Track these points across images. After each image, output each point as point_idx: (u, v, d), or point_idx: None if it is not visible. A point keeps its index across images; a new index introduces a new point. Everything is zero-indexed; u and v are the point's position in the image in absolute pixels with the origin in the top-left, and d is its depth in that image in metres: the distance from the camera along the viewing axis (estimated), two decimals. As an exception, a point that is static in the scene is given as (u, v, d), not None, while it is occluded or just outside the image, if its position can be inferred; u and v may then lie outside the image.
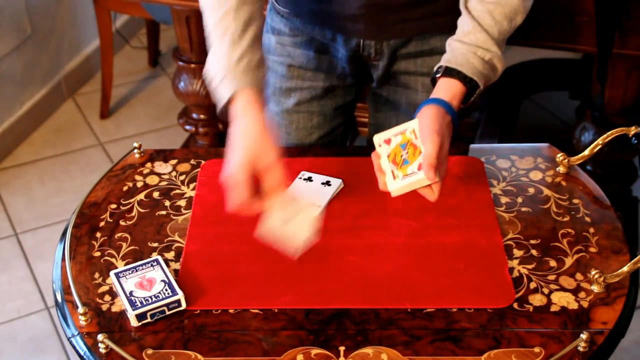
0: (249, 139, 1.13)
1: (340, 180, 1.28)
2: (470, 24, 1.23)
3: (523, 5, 1.25)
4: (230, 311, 1.08)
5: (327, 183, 1.28)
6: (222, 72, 1.18)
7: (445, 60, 1.24)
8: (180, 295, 1.08)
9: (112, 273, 1.12)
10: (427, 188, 1.17)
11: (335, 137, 1.54)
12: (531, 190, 1.28)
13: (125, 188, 1.31)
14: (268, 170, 1.12)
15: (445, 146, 1.17)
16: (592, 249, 1.16)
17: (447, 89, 1.22)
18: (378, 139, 1.22)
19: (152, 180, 1.33)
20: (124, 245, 1.20)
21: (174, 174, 1.34)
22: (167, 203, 1.28)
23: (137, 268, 1.12)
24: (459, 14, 1.27)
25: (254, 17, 1.21)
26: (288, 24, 1.42)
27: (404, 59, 1.39)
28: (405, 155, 1.19)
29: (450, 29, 1.29)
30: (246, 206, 1.11)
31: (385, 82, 1.45)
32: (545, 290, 1.10)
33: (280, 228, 1.12)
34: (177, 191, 1.30)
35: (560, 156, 1.31)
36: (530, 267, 1.13)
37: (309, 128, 1.49)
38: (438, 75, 1.23)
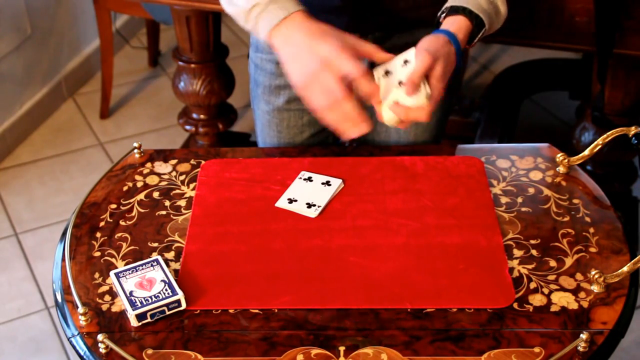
0: (327, 31, 1.13)
1: (340, 181, 1.28)
2: None
3: None
4: (230, 311, 1.08)
5: (327, 183, 1.28)
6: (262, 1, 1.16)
7: (449, 3, 1.24)
8: (180, 295, 1.08)
9: (112, 273, 1.12)
10: (418, 109, 1.15)
11: (327, 135, 1.54)
12: (531, 190, 1.28)
13: (125, 188, 1.31)
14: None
15: (438, 68, 1.15)
16: (592, 249, 1.16)
17: (452, 23, 1.22)
18: (376, 72, 1.19)
19: (152, 180, 1.33)
20: (124, 245, 1.20)
21: (174, 174, 1.34)
22: (167, 203, 1.28)
23: (137, 268, 1.12)
24: (442, 4, 1.28)
25: None
26: None
27: (389, 51, 1.39)
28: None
29: (435, 21, 1.30)
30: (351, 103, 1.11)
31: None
32: (545, 290, 1.10)
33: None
34: (177, 191, 1.30)
35: (560, 156, 1.31)
36: (530, 267, 1.13)
37: (300, 126, 1.49)
38: (443, 16, 1.24)
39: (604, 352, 1.02)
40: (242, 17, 1.21)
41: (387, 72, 1.18)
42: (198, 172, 1.34)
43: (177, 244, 1.20)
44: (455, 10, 1.23)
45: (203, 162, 1.36)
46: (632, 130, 1.27)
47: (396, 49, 1.38)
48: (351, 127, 1.13)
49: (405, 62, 1.17)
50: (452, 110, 1.55)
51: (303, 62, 1.13)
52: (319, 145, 1.55)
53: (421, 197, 1.26)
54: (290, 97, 1.46)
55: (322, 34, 1.13)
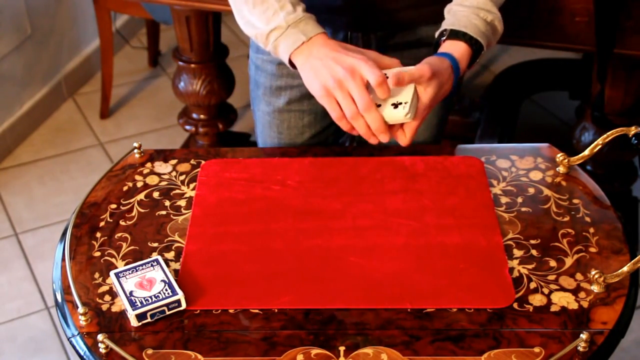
0: (349, 47, 1.17)
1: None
2: None
3: None
4: (230, 311, 1.08)
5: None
6: (281, 23, 1.20)
7: (448, 24, 1.24)
8: (180, 295, 1.08)
9: (112, 273, 1.12)
10: (400, 131, 1.17)
11: (327, 136, 1.54)
12: (531, 190, 1.28)
13: (125, 188, 1.31)
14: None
15: (430, 90, 1.16)
16: (592, 249, 1.16)
17: (455, 49, 1.22)
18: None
19: (152, 180, 1.33)
20: (124, 245, 1.20)
21: (174, 174, 1.34)
22: (167, 203, 1.28)
23: (137, 268, 1.12)
24: (444, 4, 1.28)
25: None
26: None
27: (391, 50, 1.39)
28: None
29: (436, 19, 1.30)
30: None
31: None
32: (545, 290, 1.10)
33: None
34: (177, 191, 1.30)
35: (560, 156, 1.31)
36: (530, 267, 1.13)
37: (300, 127, 1.49)
38: (443, 39, 1.24)
39: (604, 352, 1.02)
40: (261, 39, 1.23)
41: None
42: (198, 172, 1.34)
43: (177, 244, 1.20)
44: (455, 34, 1.23)
45: (203, 162, 1.36)
46: (632, 130, 1.27)
47: (398, 48, 1.39)
48: (372, 135, 1.15)
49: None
50: (451, 110, 1.55)
51: (328, 70, 1.14)
52: (319, 145, 1.55)
53: (421, 197, 1.26)
54: (290, 98, 1.46)
55: (345, 49, 1.16)
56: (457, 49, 1.22)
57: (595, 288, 1.09)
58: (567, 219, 1.22)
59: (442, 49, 1.23)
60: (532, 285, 1.10)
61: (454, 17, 1.24)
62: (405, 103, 1.15)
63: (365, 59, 1.14)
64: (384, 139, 1.16)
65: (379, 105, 1.15)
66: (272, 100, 1.48)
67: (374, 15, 1.34)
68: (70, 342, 1.07)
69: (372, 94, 1.15)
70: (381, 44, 1.38)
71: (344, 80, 1.13)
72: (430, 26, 1.34)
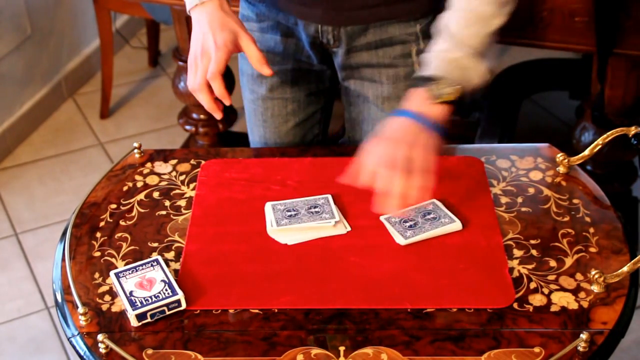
0: (227, 24, 1.27)
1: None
2: (439, 35, 1.23)
3: (499, 11, 1.23)
4: (230, 311, 1.08)
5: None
6: None
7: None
8: (180, 295, 1.08)
9: (112, 273, 1.12)
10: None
11: (313, 124, 1.55)
12: (531, 190, 1.28)
13: (125, 188, 1.31)
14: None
15: (391, 151, 1.14)
16: (592, 249, 1.16)
17: (409, 99, 1.21)
18: None
19: (152, 180, 1.33)
20: (124, 245, 1.20)
21: (174, 174, 1.34)
22: (167, 203, 1.28)
23: (137, 268, 1.12)
24: (416, 1, 1.29)
25: None
26: (254, 10, 1.44)
27: (365, 49, 1.40)
28: None
29: (409, 17, 1.31)
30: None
31: (351, 76, 1.45)
32: (545, 290, 1.10)
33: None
34: (177, 191, 1.30)
35: (560, 156, 1.31)
36: (530, 267, 1.13)
37: (285, 115, 1.50)
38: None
39: (604, 352, 1.02)
40: None
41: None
42: (198, 172, 1.34)
43: (177, 244, 1.20)
44: (415, 85, 1.22)
45: (203, 162, 1.36)
46: (632, 130, 1.27)
47: (372, 47, 1.39)
48: (214, 107, 1.28)
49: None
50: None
51: (196, 41, 1.28)
52: (318, 144, 1.55)
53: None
54: (272, 85, 1.47)
55: (221, 26, 1.27)
56: (411, 97, 1.21)
57: (595, 288, 1.09)
58: (567, 219, 1.22)
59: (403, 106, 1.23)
60: (532, 285, 1.10)
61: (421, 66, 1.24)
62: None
63: (224, 44, 1.25)
64: (218, 115, 1.28)
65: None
66: (255, 88, 1.50)
67: (344, 10, 1.35)
68: (70, 342, 1.07)
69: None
70: (351, 39, 1.39)
71: (198, 58, 1.27)
72: (402, 23, 1.35)
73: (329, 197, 1.24)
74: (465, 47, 1.21)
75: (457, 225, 1.19)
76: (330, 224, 1.20)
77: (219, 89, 1.26)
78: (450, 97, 1.20)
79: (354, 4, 1.34)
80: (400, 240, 1.17)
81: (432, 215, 1.21)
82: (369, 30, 1.37)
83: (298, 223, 1.20)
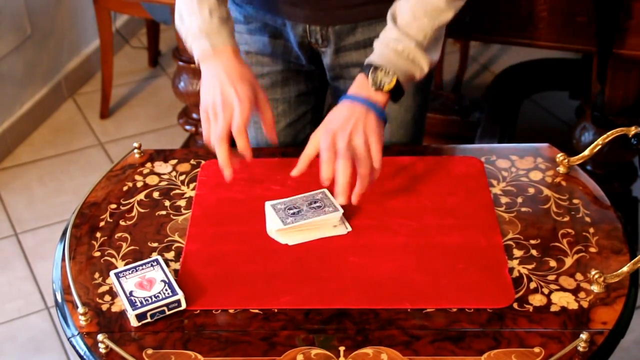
0: (245, 77, 1.24)
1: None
2: (388, 24, 1.26)
3: (449, 6, 1.25)
4: (230, 311, 1.08)
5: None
6: (195, 28, 1.26)
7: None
8: (180, 295, 1.08)
9: (112, 273, 1.12)
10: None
11: (304, 125, 1.55)
12: (531, 190, 1.28)
13: (125, 188, 1.31)
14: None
15: (333, 139, 1.18)
16: (592, 249, 1.16)
17: (355, 84, 1.25)
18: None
19: (152, 180, 1.33)
20: (124, 245, 1.20)
21: (174, 174, 1.34)
22: (167, 203, 1.28)
23: (137, 268, 1.12)
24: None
25: None
26: (242, 12, 1.44)
27: (354, 49, 1.40)
28: None
29: None
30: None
31: (340, 76, 1.46)
32: (545, 291, 1.10)
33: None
34: (177, 191, 1.30)
35: (560, 156, 1.31)
36: (530, 267, 1.13)
37: (275, 116, 1.50)
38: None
39: (604, 352, 1.02)
40: (184, 37, 1.30)
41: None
42: (198, 172, 1.34)
43: (177, 244, 1.20)
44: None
45: (203, 162, 1.36)
46: (632, 130, 1.27)
47: (360, 46, 1.40)
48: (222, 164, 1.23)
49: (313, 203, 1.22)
50: (427, 108, 1.56)
51: (213, 91, 1.23)
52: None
53: (421, 197, 1.26)
54: (262, 86, 1.47)
55: (240, 78, 1.24)
56: (353, 84, 1.25)
57: (595, 288, 1.09)
58: (567, 219, 1.22)
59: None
60: (532, 285, 1.10)
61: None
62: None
63: (247, 98, 1.22)
64: (227, 174, 1.23)
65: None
66: None
67: (331, 9, 1.35)
68: (70, 342, 1.07)
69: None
70: (340, 38, 1.39)
71: (217, 108, 1.22)
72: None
73: (326, 190, 1.24)
74: (410, 39, 1.23)
75: (337, 214, 1.19)
76: (337, 216, 1.19)
77: (244, 143, 1.22)
78: (390, 86, 1.23)
79: (340, 3, 1.35)
80: (279, 225, 1.18)
81: (317, 204, 1.21)
82: (357, 29, 1.38)
83: (304, 220, 1.19)
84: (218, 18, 1.26)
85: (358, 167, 1.18)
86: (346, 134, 1.18)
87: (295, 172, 1.22)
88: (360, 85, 1.24)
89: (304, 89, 1.52)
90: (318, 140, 1.20)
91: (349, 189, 1.18)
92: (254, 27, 1.44)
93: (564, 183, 1.29)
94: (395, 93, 1.24)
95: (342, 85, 1.46)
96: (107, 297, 1.11)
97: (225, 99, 1.22)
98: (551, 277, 1.12)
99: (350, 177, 1.17)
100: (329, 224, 1.19)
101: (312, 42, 1.40)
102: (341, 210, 1.20)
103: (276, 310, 1.08)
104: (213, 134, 1.23)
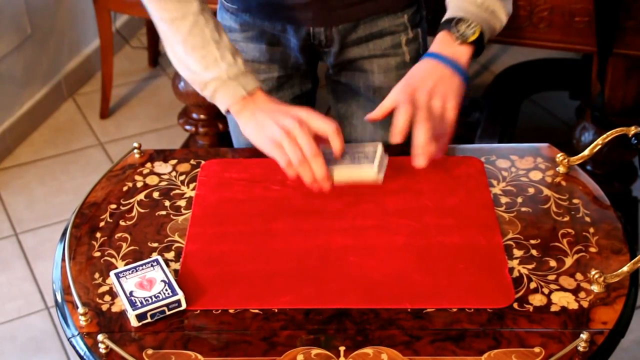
0: (288, 109, 1.19)
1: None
2: None
3: None
4: (230, 311, 1.08)
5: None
6: (224, 76, 1.21)
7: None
8: (180, 295, 1.08)
9: (112, 273, 1.12)
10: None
11: None
12: (531, 190, 1.28)
13: (125, 188, 1.31)
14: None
15: (422, 98, 1.17)
16: (592, 249, 1.16)
17: (435, 42, 1.23)
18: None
19: (152, 180, 1.33)
20: (124, 245, 1.20)
21: (173, 174, 1.34)
22: (167, 203, 1.28)
23: (137, 268, 1.12)
24: None
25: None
26: (238, 20, 1.44)
27: (355, 45, 1.41)
28: None
29: (396, 9, 1.33)
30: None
31: (342, 69, 1.46)
32: (545, 290, 1.10)
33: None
34: (177, 191, 1.30)
35: (560, 156, 1.31)
36: (530, 267, 1.13)
37: None
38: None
39: (604, 352, 1.02)
40: (198, 85, 1.25)
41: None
42: (198, 172, 1.34)
43: (177, 244, 1.20)
44: (441, 28, 1.24)
45: (203, 162, 1.36)
46: (632, 130, 1.27)
47: (362, 41, 1.40)
48: (315, 183, 1.18)
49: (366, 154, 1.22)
50: None
51: (275, 121, 1.17)
52: None
53: (421, 197, 1.26)
54: None
55: (285, 110, 1.19)
56: (437, 40, 1.23)
57: (595, 288, 1.09)
58: (567, 219, 1.22)
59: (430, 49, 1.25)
60: (532, 285, 1.10)
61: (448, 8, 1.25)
62: (369, 159, 1.19)
63: (313, 112, 1.18)
64: (327, 186, 1.18)
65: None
66: None
67: (334, 9, 1.36)
68: (70, 342, 1.07)
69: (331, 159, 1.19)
70: (344, 37, 1.39)
71: (292, 129, 1.16)
72: (390, 16, 1.38)
73: (380, 146, 1.23)
74: None
75: (371, 171, 1.19)
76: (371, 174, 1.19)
77: (321, 167, 1.16)
78: (474, 37, 1.22)
79: (343, 2, 1.35)
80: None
81: (362, 155, 1.21)
82: (359, 26, 1.39)
83: (336, 164, 1.19)
84: (242, 60, 1.24)
85: (431, 130, 1.17)
86: (426, 91, 1.16)
87: (369, 116, 1.19)
88: (443, 41, 1.22)
89: (298, 92, 1.52)
90: (397, 93, 1.17)
91: (427, 152, 1.17)
92: (250, 35, 1.44)
93: (564, 183, 1.29)
94: (478, 48, 1.23)
95: (344, 78, 1.47)
96: (107, 297, 1.11)
97: (294, 117, 1.17)
98: (551, 277, 1.12)
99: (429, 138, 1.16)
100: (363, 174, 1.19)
101: (316, 44, 1.40)
102: (376, 169, 1.19)
103: (276, 310, 1.08)
104: (296, 156, 1.16)
